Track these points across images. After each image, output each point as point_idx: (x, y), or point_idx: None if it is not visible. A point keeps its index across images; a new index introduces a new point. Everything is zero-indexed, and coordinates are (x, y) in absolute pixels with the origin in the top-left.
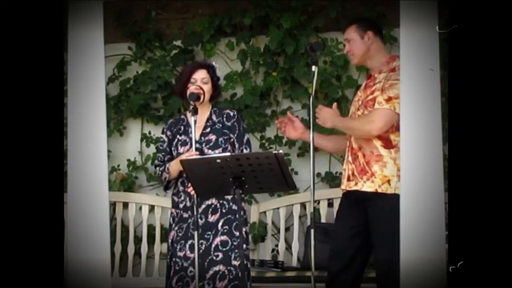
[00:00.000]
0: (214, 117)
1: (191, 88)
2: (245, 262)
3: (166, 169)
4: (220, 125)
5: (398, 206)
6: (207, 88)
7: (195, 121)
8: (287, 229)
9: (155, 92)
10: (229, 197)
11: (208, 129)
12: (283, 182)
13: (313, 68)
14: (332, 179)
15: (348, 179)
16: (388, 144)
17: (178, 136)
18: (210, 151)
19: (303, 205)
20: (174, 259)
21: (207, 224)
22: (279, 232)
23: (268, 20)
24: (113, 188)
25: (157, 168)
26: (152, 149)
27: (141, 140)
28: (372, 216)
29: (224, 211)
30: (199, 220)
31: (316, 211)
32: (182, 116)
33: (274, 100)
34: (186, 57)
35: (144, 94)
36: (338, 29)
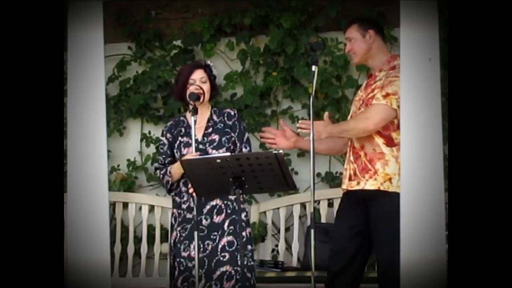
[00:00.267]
0: (215, 117)
1: (191, 88)
2: (251, 262)
3: (168, 172)
4: (222, 125)
5: (398, 204)
6: (206, 87)
7: (195, 121)
8: (287, 229)
9: (155, 92)
10: (233, 197)
11: (210, 129)
12: (283, 182)
13: (313, 68)
14: (332, 179)
15: (350, 179)
16: (390, 142)
17: (179, 138)
18: (214, 151)
19: (303, 205)
20: (178, 260)
21: (212, 224)
22: (279, 232)
23: (268, 20)
24: (113, 188)
25: (158, 171)
26: (152, 149)
27: (141, 140)
28: (373, 214)
29: (229, 211)
30: (204, 220)
31: (316, 211)
32: (182, 118)
33: (274, 100)
34: (186, 57)
35: (144, 94)
36: (338, 29)
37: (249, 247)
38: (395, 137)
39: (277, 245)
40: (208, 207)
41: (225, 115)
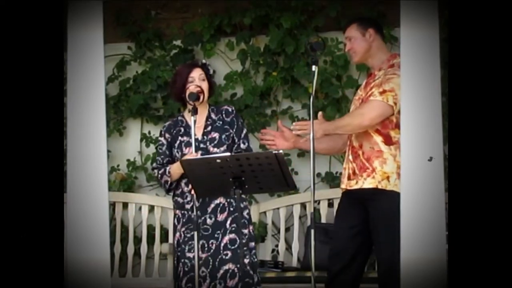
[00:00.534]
0: (213, 115)
1: (191, 88)
2: (254, 259)
3: (167, 172)
4: (221, 122)
5: (396, 203)
6: (205, 86)
7: (195, 121)
8: (287, 229)
9: (154, 92)
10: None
11: (210, 128)
12: (283, 182)
13: (313, 67)
14: (332, 179)
15: (349, 178)
16: (388, 141)
17: (179, 137)
18: (216, 149)
19: (303, 205)
20: (183, 260)
21: (216, 223)
22: (279, 232)
23: (268, 19)
24: (112, 188)
25: (156, 170)
26: (152, 149)
27: (141, 140)
28: (372, 214)
29: (231, 209)
30: (209, 219)
31: (316, 211)
32: (180, 118)
33: (274, 100)
34: (186, 57)
35: (144, 94)
36: (338, 29)
37: (252, 244)
38: (393, 135)
39: (277, 245)
40: (212, 205)
41: (223, 112)
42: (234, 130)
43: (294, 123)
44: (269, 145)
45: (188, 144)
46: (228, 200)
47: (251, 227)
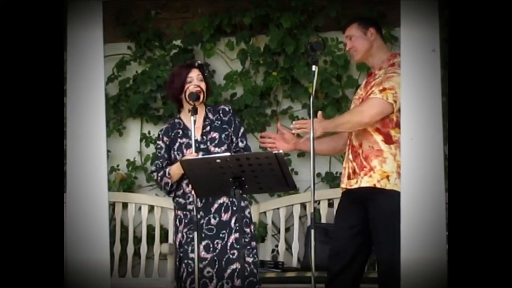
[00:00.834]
0: (210, 115)
1: (190, 88)
2: (256, 258)
3: (167, 173)
4: (219, 122)
5: (396, 203)
6: (203, 86)
7: (194, 121)
8: (287, 229)
9: (154, 92)
10: None
11: (208, 128)
12: (283, 182)
13: (313, 67)
14: (332, 179)
15: (349, 178)
16: (388, 140)
17: (179, 140)
18: (217, 148)
19: (303, 205)
20: (186, 261)
21: (221, 223)
22: (279, 232)
23: (268, 19)
24: (112, 188)
25: (155, 173)
26: (151, 149)
27: (141, 140)
28: (372, 214)
29: (234, 208)
30: (213, 219)
31: (316, 211)
32: (177, 120)
33: (274, 100)
34: (186, 57)
35: (144, 94)
36: (338, 29)
37: (254, 243)
38: (393, 134)
39: (277, 246)
40: (216, 205)
41: (220, 112)
42: (232, 129)
43: (293, 122)
44: (270, 148)
45: (189, 146)
46: (231, 199)
47: (252, 226)
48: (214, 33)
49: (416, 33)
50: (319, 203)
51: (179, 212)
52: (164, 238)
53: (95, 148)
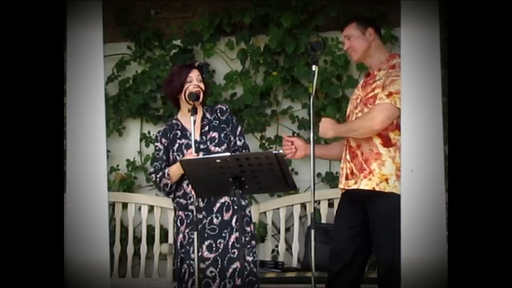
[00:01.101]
0: (208, 115)
1: (190, 88)
2: (255, 257)
3: (166, 174)
4: (217, 122)
5: (396, 205)
6: (202, 87)
7: (194, 121)
8: (287, 229)
9: (154, 92)
10: None
11: (207, 128)
12: (283, 182)
13: (314, 67)
14: (333, 179)
15: (347, 178)
16: (387, 143)
17: (178, 141)
18: (217, 148)
19: (303, 206)
20: (188, 262)
21: (223, 222)
22: (279, 232)
23: (268, 19)
24: (112, 188)
25: (153, 175)
26: (151, 149)
27: (141, 140)
28: (371, 215)
29: (235, 207)
30: (215, 219)
31: (317, 211)
32: (174, 121)
33: (274, 100)
34: (186, 57)
35: (144, 94)
36: (338, 29)
37: (254, 242)
38: (392, 137)
39: (277, 246)
40: (218, 205)
41: (218, 111)
42: (230, 128)
43: (284, 140)
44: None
45: (188, 146)
46: (232, 198)
47: (252, 225)
48: (214, 32)
49: (416, 33)
50: (319, 203)
51: (180, 212)
52: (164, 238)
53: (95, 148)
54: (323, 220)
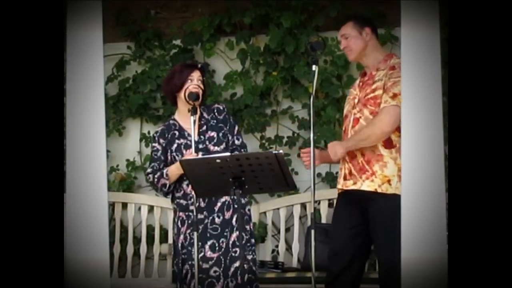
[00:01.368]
0: (205, 115)
1: (190, 88)
2: (254, 256)
3: (164, 174)
4: (215, 121)
5: (396, 205)
6: (203, 87)
7: (194, 121)
8: (287, 229)
9: (154, 92)
10: None
11: (205, 127)
12: (283, 182)
13: (314, 67)
14: (333, 180)
15: (345, 178)
16: (388, 144)
17: (176, 141)
18: (216, 147)
19: (303, 206)
20: (189, 262)
21: (224, 221)
22: (279, 232)
23: (268, 19)
24: (112, 188)
25: (151, 175)
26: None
27: (140, 140)
28: (372, 215)
29: (235, 206)
30: (217, 218)
31: (317, 211)
32: (172, 121)
33: (274, 100)
34: (186, 57)
35: (143, 94)
36: (338, 28)
37: (253, 241)
38: (393, 138)
39: (277, 246)
40: (219, 204)
41: (215, 111)
42: (228, 127)
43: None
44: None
45: (187, 146)
46: (232, 197)
47: (251, 224)
48: (214, 32)
49: (416, 33)
50: (319, 203)
51: (181, 213)
52: (163, 238)
53: (94, 148)
54: (323, 220)
